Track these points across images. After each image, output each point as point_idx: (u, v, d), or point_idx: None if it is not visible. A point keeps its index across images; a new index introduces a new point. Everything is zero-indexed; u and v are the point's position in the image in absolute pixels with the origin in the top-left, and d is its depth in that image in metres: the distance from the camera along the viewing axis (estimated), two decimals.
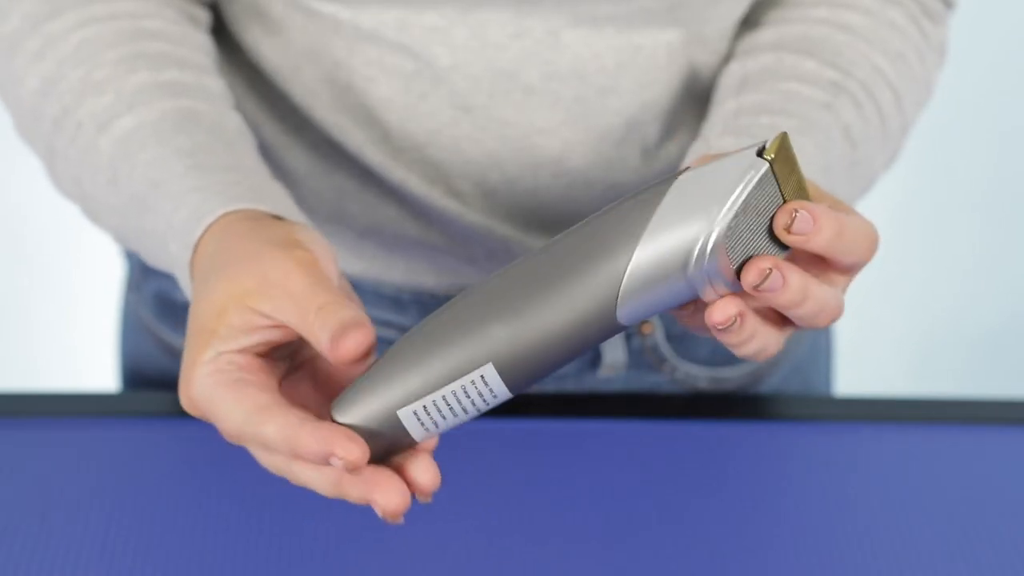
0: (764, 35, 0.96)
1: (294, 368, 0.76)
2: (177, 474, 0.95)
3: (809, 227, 0.69)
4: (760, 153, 0.68)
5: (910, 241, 2.35)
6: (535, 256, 0.70)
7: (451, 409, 0.70)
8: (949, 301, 2.35)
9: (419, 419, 0.70)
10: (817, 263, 0.72)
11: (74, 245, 2.25)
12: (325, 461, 0.70)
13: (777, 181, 0.68)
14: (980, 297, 2.35)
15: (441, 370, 0.70)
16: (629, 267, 0.69)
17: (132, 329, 1.15)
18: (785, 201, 0.69)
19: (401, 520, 0.71)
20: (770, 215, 0.69)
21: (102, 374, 1.87)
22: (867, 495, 0.94)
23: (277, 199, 0.82)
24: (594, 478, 0.95)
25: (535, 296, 0.69)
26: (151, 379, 1.13)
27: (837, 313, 0.72)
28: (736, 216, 0.68)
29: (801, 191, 0.70)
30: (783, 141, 0.68)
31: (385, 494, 0.70)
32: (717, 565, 0.89)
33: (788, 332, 0.74)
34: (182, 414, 1.01)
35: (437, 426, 0.70)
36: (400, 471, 0.72)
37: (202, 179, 0.82)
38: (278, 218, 0.80)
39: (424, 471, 0.72)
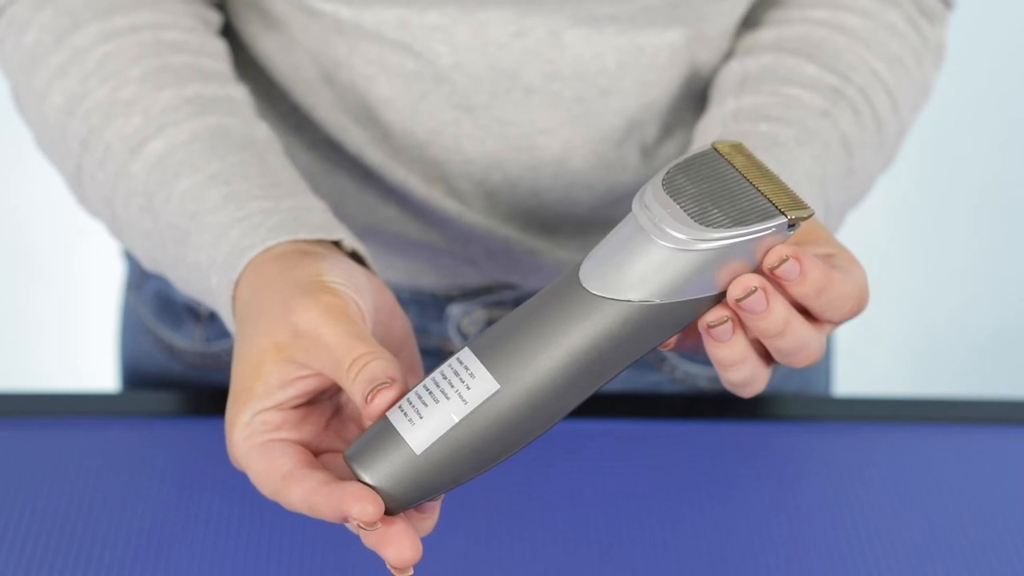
0: (764, 35, 0.96)
1: (341, 406, 0.77)
2: (177, 474, 0.95)
3: (795, 274, 0.71)
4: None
5: (910, 241, 2.35)
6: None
7: (431, 394, 0.71)
8: (949, 301, 2.35)
9: (404, 412, 0.71)
10: (799, 308, 0.73)
11: (74, 245, 2.25)
12: (344, 521, 0.71)
13: (726, 160, 0.72)
14: (980, 298, 2.35)
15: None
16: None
17: (132, 329, 1.15)
18: (739, 172, 0.72)
19: (411, 572, 0.72)
20: (724, 184, 0.71)
21: (102, 374, 1.87)
22: (867, 495, 0.94)
23: (314, 218, 0.82)
24: (594, 478, 0.95)
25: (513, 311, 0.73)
26: (151, 379, 1.13)
27: (817, 356, 0.74)
28: (674, 168, 0.71)
29: (765, 178, 0.72)
30: (740, 147, 0.73)
31: (395, 549, 0.71)
32: (717, 565, 0.89)
33: (772, 370, 0.76)
34: (182, 414, 1.01)
35: (420, 415, 0.71)
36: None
37: (240, 210, 0.82)
38: (317, 242, 0.80)
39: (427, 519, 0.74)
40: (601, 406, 1.01)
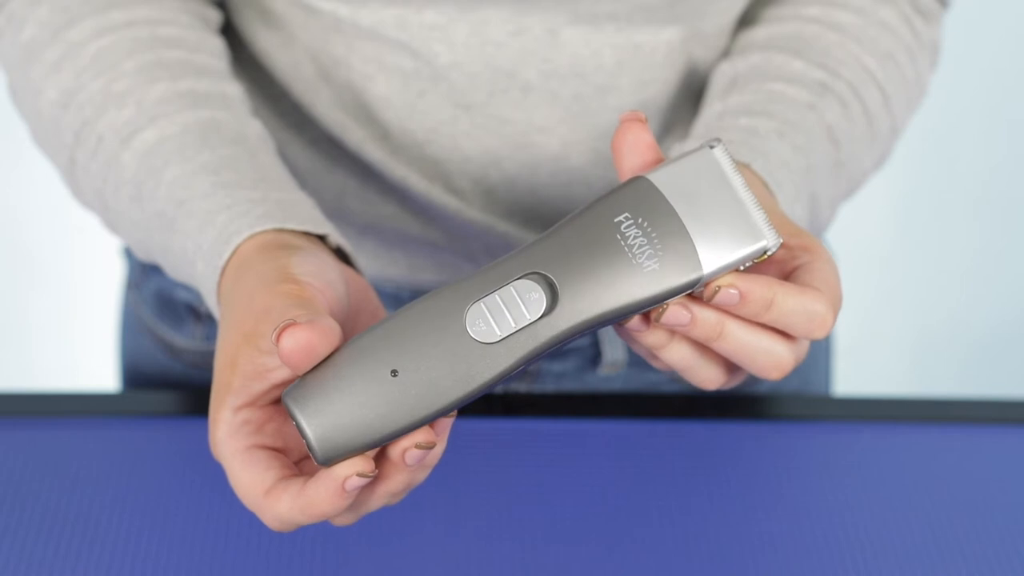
0: (757, 33, 0.96)
1: None
2: (177, 474, 0.95)
3: (734, 301, 0.71)
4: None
5: (910, 241, 2.35)
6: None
7: None
8: (949, 301, 2.35)
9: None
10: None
11: (73, 245, 2.25)
12: (342, 506, 0.71)
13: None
14: (980, 297, 2.35)
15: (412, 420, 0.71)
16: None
17: (132, 329, 1.15)
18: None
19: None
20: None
21: (102, 374, 1.87)
22: (867, 495, 0.94)
23: (302, 212, 0.82)
24: (594, 478, 0.95)
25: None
26: (151, 379, 1.13)
27: (784, 366, 0.73)
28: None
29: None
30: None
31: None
32: (716, 565, 0.89)
33: (741, 374, 0.75)
34: (182, 414, 1.01)
35: None
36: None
37: (228, 198, 0.82)
38: (301, 236, 0.80)
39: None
40: (601, 406, 1.01)
